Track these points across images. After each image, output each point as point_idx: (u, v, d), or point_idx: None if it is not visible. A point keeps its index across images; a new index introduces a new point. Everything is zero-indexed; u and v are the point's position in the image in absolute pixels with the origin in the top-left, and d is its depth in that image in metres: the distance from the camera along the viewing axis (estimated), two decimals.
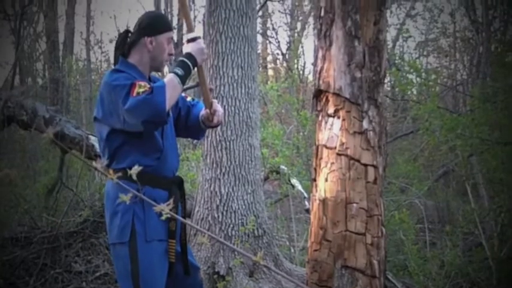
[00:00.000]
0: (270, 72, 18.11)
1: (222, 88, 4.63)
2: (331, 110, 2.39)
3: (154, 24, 2.97)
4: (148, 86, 2.72)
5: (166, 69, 3.20)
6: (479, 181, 5.53)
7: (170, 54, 3.02)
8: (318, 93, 2.44)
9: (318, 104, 2.46)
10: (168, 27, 3.04)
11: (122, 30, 3.19)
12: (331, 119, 2.39)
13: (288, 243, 5.99)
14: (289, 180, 5.90)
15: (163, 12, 14.33)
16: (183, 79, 2.80)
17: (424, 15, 13.89)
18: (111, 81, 2.82)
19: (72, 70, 8.92)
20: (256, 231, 4.60)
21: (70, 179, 6.73)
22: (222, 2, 4.64)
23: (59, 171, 6.79)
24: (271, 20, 15.54)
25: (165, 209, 1.12)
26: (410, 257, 4.24)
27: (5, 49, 12.44)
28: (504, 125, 4.75)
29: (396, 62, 6.71)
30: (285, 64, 14.93)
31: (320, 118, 2.45)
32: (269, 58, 18.82)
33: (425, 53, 14.41)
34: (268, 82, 12.94)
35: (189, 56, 2.84)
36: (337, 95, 2.37)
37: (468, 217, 4.76)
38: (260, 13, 14.59)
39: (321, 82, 2.42)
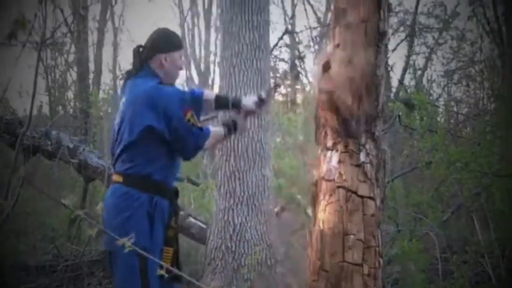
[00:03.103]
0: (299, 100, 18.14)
1: None
2: (329, 144, 2.47)
3: (168, 42, 3.17)
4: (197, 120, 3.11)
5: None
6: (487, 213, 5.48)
7: (180, 69, 3.22)
8: (317, 128, 2.52)
9: (318, 138, 2.54)
10: (180, 45, 3.28)
11: None
12: (329, 152, 2.46)
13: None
14: (305, 211, 5.90)
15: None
16: (225, 138, 3.30)
17: (451, 43, 13.89)
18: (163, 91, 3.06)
19: (96, 102, 9.12)
20: (269, 261, 4.65)
21: (93, 208, 6.83)
22: (235, 35, 4.77)
23: (82, 200, 6.95)
24: (298, 51, 15.62)
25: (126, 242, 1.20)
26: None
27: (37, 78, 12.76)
28: (505, 157, 4.74)
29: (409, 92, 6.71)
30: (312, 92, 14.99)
31: (319, 151, 2.52)
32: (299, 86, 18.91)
33: (454, 80, 14.32)
34: (297, 111, 12.96)
35: (235, 124, 3.24)
36: (335, 129, 2.45)
37: (475, 248, 4.75)
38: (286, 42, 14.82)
39: (320, 116, 2.51)
